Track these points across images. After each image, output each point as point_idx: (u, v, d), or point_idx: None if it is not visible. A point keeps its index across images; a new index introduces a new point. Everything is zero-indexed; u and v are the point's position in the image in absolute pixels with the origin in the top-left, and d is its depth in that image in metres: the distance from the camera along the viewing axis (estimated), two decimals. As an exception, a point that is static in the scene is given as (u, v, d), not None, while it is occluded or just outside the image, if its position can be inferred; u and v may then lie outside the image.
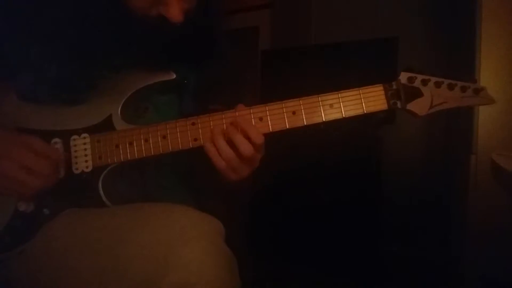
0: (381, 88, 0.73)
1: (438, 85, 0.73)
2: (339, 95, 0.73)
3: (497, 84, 1.39)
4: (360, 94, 0.73)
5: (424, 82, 0.73)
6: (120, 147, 0.74)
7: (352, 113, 0.73)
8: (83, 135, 0.75)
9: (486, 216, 1.39)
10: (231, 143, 0.70)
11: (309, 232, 2.14)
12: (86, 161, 0.74)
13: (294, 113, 0.73)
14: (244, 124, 0.70)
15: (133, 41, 0.73)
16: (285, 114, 0.73)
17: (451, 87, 0.73)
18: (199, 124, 0.73)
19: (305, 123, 0.73)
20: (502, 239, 1.33)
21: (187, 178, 0.90)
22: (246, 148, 0.69)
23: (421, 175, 2.29)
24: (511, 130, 1.38)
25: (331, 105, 0.73)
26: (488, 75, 1.40)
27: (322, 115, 0.73)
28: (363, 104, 0.73)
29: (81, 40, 0.74)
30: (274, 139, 0.75)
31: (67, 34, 0.74)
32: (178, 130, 0.73)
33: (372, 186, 2.08)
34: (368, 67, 2.19)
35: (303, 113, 0.73)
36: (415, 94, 0.74)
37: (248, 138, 0.69)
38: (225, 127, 0.72)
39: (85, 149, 0.74)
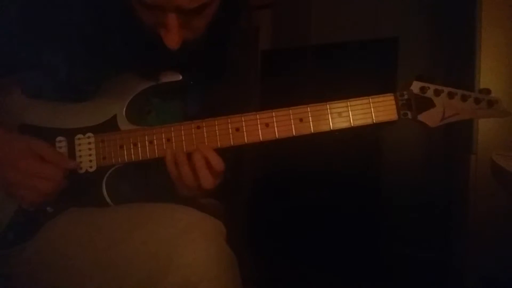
0: (392, 97, 0.70)
1: (451, 96, 0.70)
2: (348, 103, 0.70)
3: (497, 84, 1.39)
4: (370, 103, 0.70)
5: (437, 93, 0.70)
6: (125, 147, 0.74)
7: (360, 122, 0.70)
8: (88, 134, 0.75)
9: (486, 216, 1.39)
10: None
11: (309, 232, 2.14)
12: (90, 160, 0.74)
13: (301, 120, 0.70)
14: (206, 151, 0.69)
15: (143, 48, 0.73)
16: (292, 121, 0.71)
17: (464, 98, 0.70)
18: (204, 128, 0.72)
19: (312, 131, 0.71)
20: (502, 239, 1.33)
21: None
22: (208, 183, 0.69)
23: (421, 175, 2.29)
24: (511, 130, 1.38)
25: (339, 114, 0.70)
26: (488, 75, 1.40)
27: (330, 123, 0.70)
28: (373, 113, 0.70)
29: (94, 42, 0.74)
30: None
31: (82, 36, 0.74)
32: (183, 133, 0.72)
33: (372, 186, 2.09)
34: (368, 68, 2.19)
35: (310, 120, 0.70)
36: (427, 104, 0.70)
37: (209, 164, 0.69)
38: (185, 149, 0.71)
39: (90, 149, 0.74)
